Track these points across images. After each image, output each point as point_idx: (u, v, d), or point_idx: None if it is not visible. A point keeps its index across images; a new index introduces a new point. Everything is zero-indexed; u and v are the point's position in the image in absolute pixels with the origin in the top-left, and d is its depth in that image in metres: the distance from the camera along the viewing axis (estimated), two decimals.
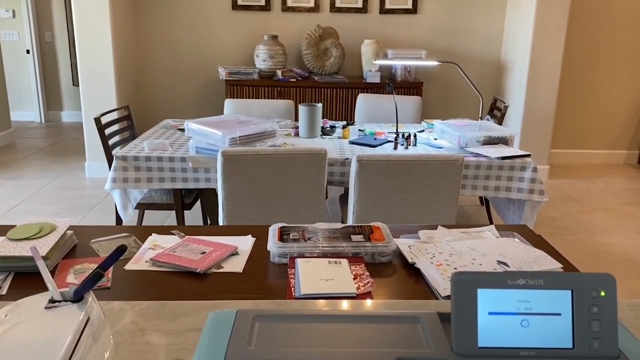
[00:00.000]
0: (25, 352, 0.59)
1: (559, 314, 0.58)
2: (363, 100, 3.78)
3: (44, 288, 1.10)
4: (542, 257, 1.26)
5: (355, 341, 0.60)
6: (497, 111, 3.88)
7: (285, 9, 4.71)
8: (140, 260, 1.27)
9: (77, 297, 0.69)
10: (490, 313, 0.58)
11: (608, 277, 0.59)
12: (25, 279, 1.17)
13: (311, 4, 4.71)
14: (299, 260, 1.25)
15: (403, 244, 1.35)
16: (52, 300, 0.69)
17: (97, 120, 2.90)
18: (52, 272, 1.21)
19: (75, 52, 5.51)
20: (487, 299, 0.59)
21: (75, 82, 6.81)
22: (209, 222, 3.32)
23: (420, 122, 3.64)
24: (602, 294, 0.59)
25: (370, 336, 0.61)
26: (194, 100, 4.92)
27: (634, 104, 5.24)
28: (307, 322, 0.63)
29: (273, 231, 1.36)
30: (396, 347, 0.59)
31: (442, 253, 1.29)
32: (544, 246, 1.37)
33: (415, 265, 1.25)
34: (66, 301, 0.68)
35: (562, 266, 1.22)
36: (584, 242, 3.42)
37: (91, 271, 0.69)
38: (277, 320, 0.64)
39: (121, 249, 0.71)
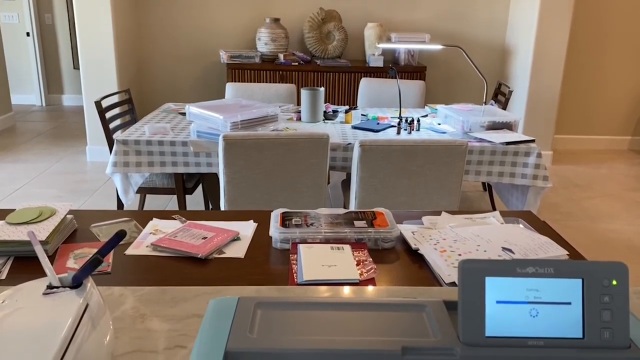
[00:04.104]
0: (23, 339, 0.58)
1: (569, 303, 0.57)
2: (366, 85, 3.75)
3: (44, 273, 1.09)
4: (548, 243, 1.24)
5: (359, 330, 0.59)
6: (501, 96, 3.84)
7: None
8: (141, 245, 1.26)
9: (76, 283, 0.67)
10: (498, 302, 0.57)
11: (620, 266, 0.58)
12: (25, 264, 1.16)
13: None
14: (301, 246, 1.24)
15: (406, 230, 1.34)
16: (50, 286, 0.67)
17: (98, 104, 2.88)
18: (52, 257, 1.20)
19: (75, 35, 5.46)
20: (495, 288, 0.57)
21: (76, 65, 6.76)
22: (210, 206, 3.31)
23: (424, 107, 3.61)
24: (614, 282, 0.57)
25: (375, 325, 0.60)
26: (195, 83, 4.89)
27: (638, 89, 5.20)
28: (310, 310, 0.62)
29: (275, 216, 1.34)
30: (402, 336, 0.57)
31: (446, 239, 1.28)
32: (549, 232, 1.35)
33: (418, 251, 1.24)
34: (65, 287, 0.67)
35: (567, 253, 1.21)
36: (586, 228, 3.41)
37: (90, 256, 0.67)
38: (280, 308, 0.63)
39: (120, 234, 0.69)
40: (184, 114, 3.10)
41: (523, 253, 1.20)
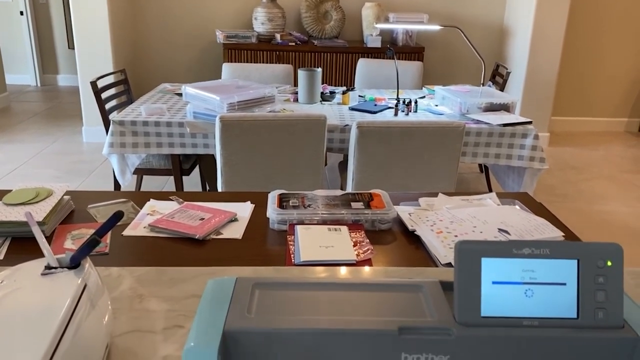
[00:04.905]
0: (22, 319, 0.58)
1: (564, 284, 0.58)
2: (363, 66, 3.72)
3: (42, 253, 1.09)
4: (544, 225, 1.25)
5: (356, 309, 0.59)
6: (499, 77, 3.83)
7: None
8: (138, 226, 1.26)
9: (74, 264, 0.68)
10: (494, 282, 0.57)
11: (615, 247, 0.58)
12: (23, 244, 1.16)
13: None
14: (298, 227, 1.24)
15: (403, 211, 1.34)
16: (48, 267, 0.67)
17: (93, 84, 2.86)
18: (50, 238, 1.20)
19: (70, 14, 5.40)
20: (491, 268, 0.57)
21: (71, 45, 6.69)
22: (207, 188, 3.31)
23: (421, 88, 3.60)
24: (609, 263, 0.57)
25: (372, 305, 0.60)
26: (191, 64, 4.85)
27: (636, 71, 5.18)
28: (308, 290, 0.62)
29: (272, 198, 1.34)
30: (398, 315, 0.58)
31: (443, 220, 1.28)
32: (545, 214, 1.36)
33: (415, 232, 1.25)
34: (62, 268, 0.67)
35: (563, 234, 1.21)
36: (582, 210, 3.43)
37: (88, 237, 0.67)
38: (278, 288, 0.63)
39: (118, 215, 0.69)
40: (180, 94, 3.08)
41: (519, 234, 1.20)
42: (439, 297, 0.61)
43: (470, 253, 0.57)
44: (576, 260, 0.58)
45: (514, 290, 0.58)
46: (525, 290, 0.58)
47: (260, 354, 0.56)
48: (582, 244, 0.58)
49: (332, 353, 0.56)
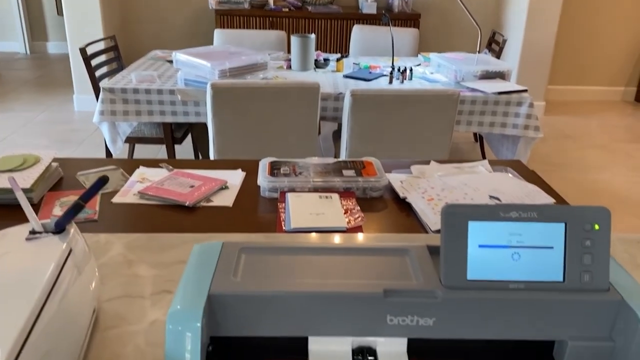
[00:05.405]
0: (6, 284, 0.58)
1: (551, 247, 0.57)
2: (358, 32, 3.67)
3: (28, 220, 1.08)
4: (535, 191, 1.25)
5: (342, 273, 0.59)
6: (495, 45, 3.78)
7: None
8: (128, 193, 1.25)
9: (59, 229, 0.67)
10: (480, 246, 0.57)
11: (603, 211, 0.58)
12: (10, 211, 1.15)
13: None
14: (289, 195, 1.24)
15: (395, 179, 1.34)
16: (33, 232, 0.67)
17: (83, 51, 2.80)
18: (38, 205, 1.19)
19: None
20: (478, 232, 0.57)
21: (60, 12, 6.55)
22: (200, 157, 3.29)
23: (417, 56, 3.55)
24: (596, 227, 0.57)
25: (358, 268, 0.60)
26: (182, 30, 4.76)
27: (633, 40, 5.13)
28: (294, 255, 0.62)
29: (263, 166, 1.33)
30: (384, 279, 0.58)
31: (434, 188, 1.28)
32: (537, 181, 1.36)
33: (406, 200, 1.24)
34: (47, 232, 0.66)
35: (554, 201, 1.21)
36: (576, 178, 3.44)
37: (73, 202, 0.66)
38: (264, 253, 0.63)
39: (103, 180, 0.68)
40: (171, 61, 3.03)
41: (510, 201, 1.20)
42: (425, 261, 0.61)
43: (457, 216, 0.57)
44: (563, 224, 0.57)
45: (500, 254, 0.57)
46: (512, 253, 0.57)
47: (245, 317, 0.56)
48: (570, 207, 0.58)
49: (317, 316, 0.56)
